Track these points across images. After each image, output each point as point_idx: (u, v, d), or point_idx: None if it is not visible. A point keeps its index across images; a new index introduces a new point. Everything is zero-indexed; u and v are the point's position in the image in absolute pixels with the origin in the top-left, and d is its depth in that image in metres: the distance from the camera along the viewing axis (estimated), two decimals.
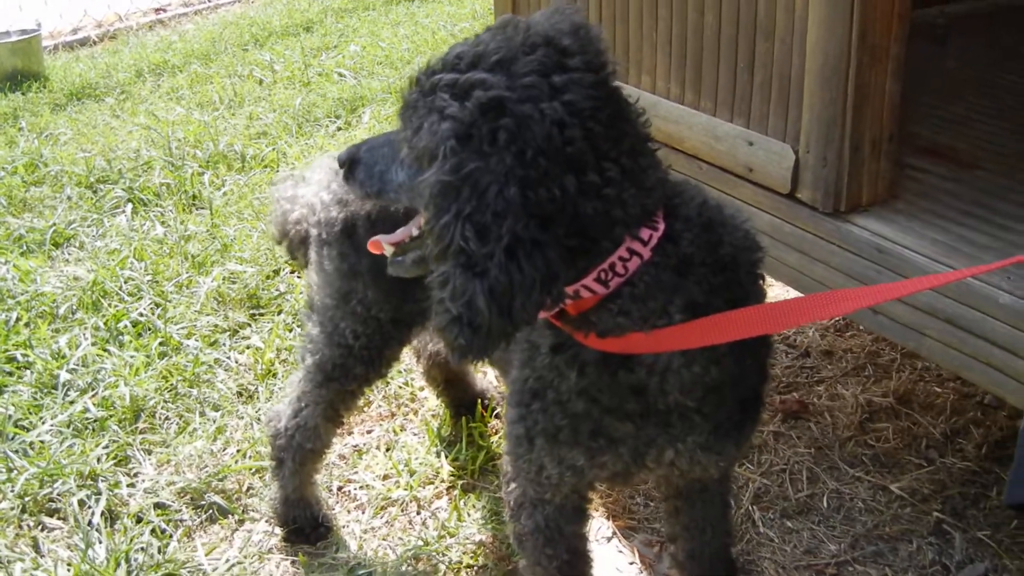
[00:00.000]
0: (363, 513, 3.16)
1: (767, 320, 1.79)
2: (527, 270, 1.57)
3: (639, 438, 1.97)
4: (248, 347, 3.96)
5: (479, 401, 3.47)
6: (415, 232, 1.95)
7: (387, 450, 3.40)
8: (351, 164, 1.93)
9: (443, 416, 3.50)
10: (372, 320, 2.64)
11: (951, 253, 2.57)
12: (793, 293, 3.54)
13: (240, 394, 3.71)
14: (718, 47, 2.98)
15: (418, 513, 3.14)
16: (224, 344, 4.00)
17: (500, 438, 3.38)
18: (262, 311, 4.24)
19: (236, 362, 3.87)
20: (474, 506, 3.12)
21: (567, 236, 1.64)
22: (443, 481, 3.23)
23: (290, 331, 4.05)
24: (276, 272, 4.50)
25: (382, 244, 2.00)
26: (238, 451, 3.40)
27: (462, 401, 3.45)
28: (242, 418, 3.56)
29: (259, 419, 3.51)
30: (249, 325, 4.14)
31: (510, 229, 1.56)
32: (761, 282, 1.98)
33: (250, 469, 3.32)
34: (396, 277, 2.47)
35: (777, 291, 3.94)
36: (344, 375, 2.74)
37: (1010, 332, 2.36)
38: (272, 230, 2.94)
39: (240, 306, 4.25)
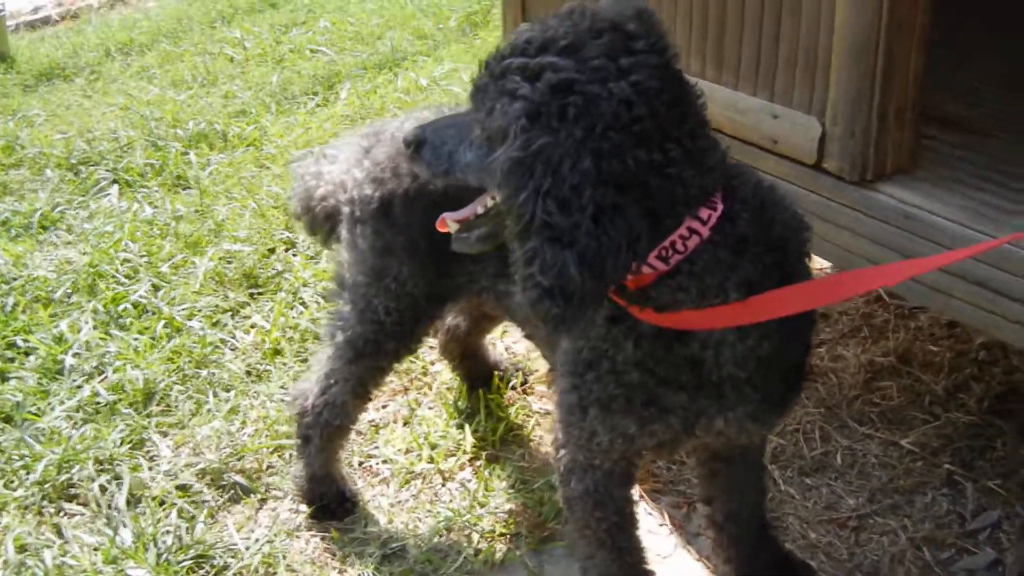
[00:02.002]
0: (388, 487, 3.18)
1: (816, 295, 1.88)
2: (614, 233, 1.65)
3: (690, 408, 2.03)
4: (253, 326, 3.94)
5: (495, 373, 3.48)
6: (480, 210, 2.00)
7: (405, 424, 3.41)
8: (417, 144, 1.98)
9: (458, 389, 3.51)
10: (406, 296, 2.65)
11: (977, 218, 2.62)
12: (819, 262, 3.60)
13: (249, 373, 3.70)
14: (742, 23, 3.01)
15: (443, 485, 3.16)
16: (227, 324, 3.98)
17: (519, 409, 3.40)
18: (260, 290, 4.22)
19: (242, 342, 3.86)
20: (499, 476, 3.15)
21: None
22: (466, 453, 3.24)
23: (291, 309, 4.04)
24: (271, 251, 4.48)
25: (447, 222, 2.03)
26: (255, 431, 3.39)
27: (478, 374, 3.47)
28: (256, 397, 3.55)
29: (272, 398, 3.50)
30: (249, 304, 4.12)
31: (591, 198, 1.64)
32: (808, 260, 2.06)
33: (268, 448, 3.32)
34: (431, 253, 2.53)
35: None
36: (376, 351, 2.75)
37: None
38: (293, 206, 2.93)
39: (239, 286, 4.23)
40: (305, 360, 3.73)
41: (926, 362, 3.53)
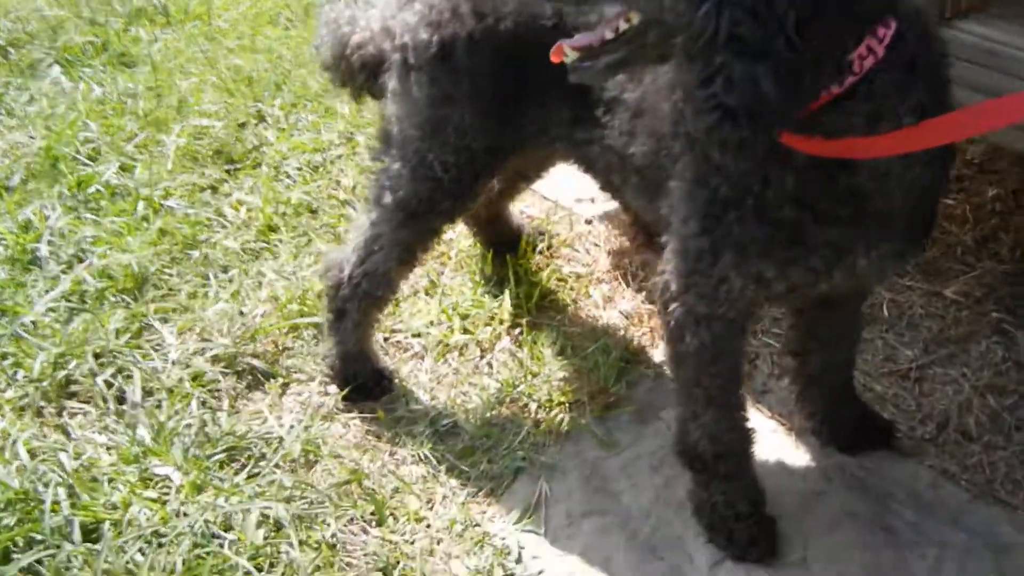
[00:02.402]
0: (423, 362, 2.94)
1: (986, 118, 1.69)
2: (817, 43, 1.49)
3: (838, 245, 1.87)
4: (240, 203, 3.63)
5: (520, 238, 3.25)
6: (610, 34, 1.76)
7: (427, 295, 3.16)
8: None
9: (481, 256, 3.26)
10: (465, 150, 2.40)
11: None
12: None
13: (245, 252, 3.40)
14: None
15: (482, 357, 2.94)
16: (209, 202, 3.66)
17: (550, 273, 3.18)
18: (237, 165, 3.89)
19: (231, 220, 3.55)
20: (544, 344, 2.93)
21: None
22: (502, 322, 3.01)
23: (277, 182, 3.73)
24: (242, 126, 4.13)
25: (565, 49, 1.81)
26: (264, 312, 3.11)
27: (503, 239, 3.23)
28: (260, 277, 3.26)
29: (283, 274, 3.22)
30: (227, 180, 3.80)
31: (790, 6, 1.46)
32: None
33: (283, 329, 3.05)
34: (497, 101, 2.30)
35: None
36: (430, 211, 2.51)
37: None
38: (323, 54, 2.63)
39: (213, 163, 3.89)
40: (304, 235, 3.44)
41: (948, 215, 3.39)
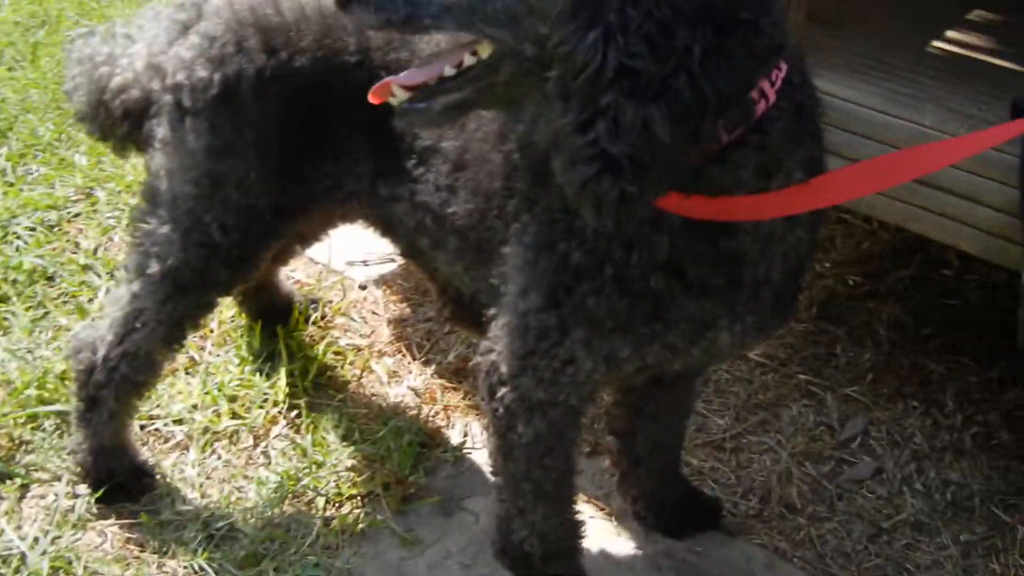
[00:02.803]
0: (188, 453, 2.59)
1: (886, 174, 1.58)
2: (720, 82, 1.27)
3: (701, 319, 1.68)
4: None
5: (292, 307, 2.94)
6: (450, 70, 1.50)
7: (187, 373, 2.81)
8: None
9: (246, 328, 2.93)
10: (248, 210, 2.10)
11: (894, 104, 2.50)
12: None
13: None
14: None
15: (256, 446, 2.62)
16: None
17: (327, 346, 2.89)
18: None
19: None
20: (326, 428, 2.64)
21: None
22: (276, 404, 2.70)
23: (2, 244, 3.27)
24: None
25: (394, 88, 1.54)
26: None
27: (272, 309, 2.91)
28: None
29: (17, 354, 2.79)
30: None
31: (693, 38, 1.25)
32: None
33: (18, 419, 2.62)
34: (284, 152, 2.03)
35: None
36: (204, 282, 2.19)
37: (969, 179, 2.25)
38: (76, 101, 2.26)
39: None
40: (40, 306, 3.02)
41: None
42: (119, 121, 2.18)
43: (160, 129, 2.09)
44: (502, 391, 1.85)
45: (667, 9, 1.24)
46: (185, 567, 2.28)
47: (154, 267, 2.16)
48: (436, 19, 1.43)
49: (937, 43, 3.06)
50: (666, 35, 1.24)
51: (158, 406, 2.70)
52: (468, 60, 1.48)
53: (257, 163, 2.04)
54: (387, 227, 2.16)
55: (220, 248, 2.12)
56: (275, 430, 2.65)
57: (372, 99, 1.59)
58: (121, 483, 2.43)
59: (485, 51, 1.46)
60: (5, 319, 2.97)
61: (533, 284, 1.73)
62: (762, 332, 1.81)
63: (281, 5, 2.03)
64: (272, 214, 2.12)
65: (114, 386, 2.31)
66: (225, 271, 2.18)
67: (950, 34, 3.16)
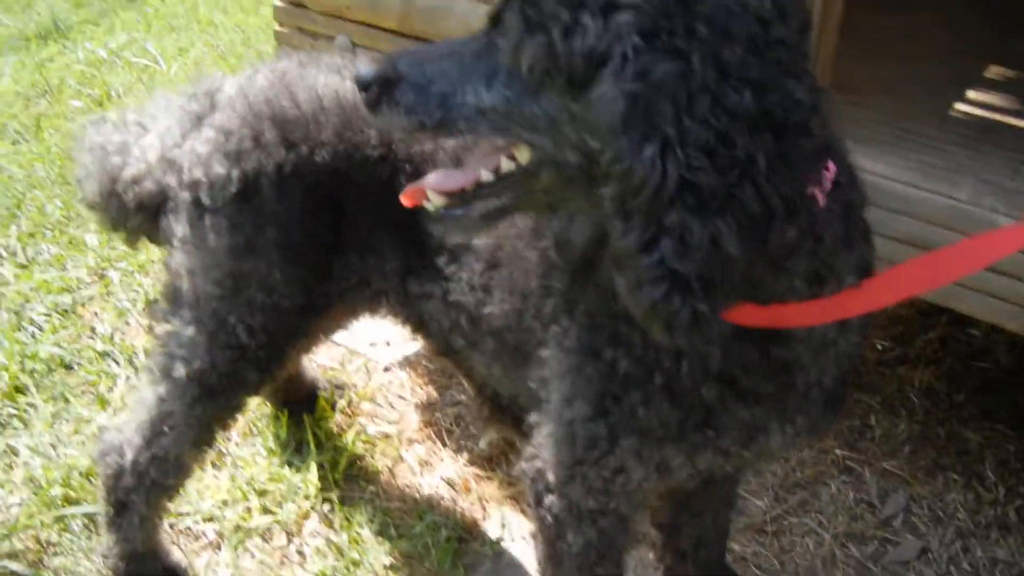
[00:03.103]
0: (219, 552, 2.53)
1: (940, 272, 1.49)
2: (784, 189, 1.22)
3: (753, 424, 1.63)
4: None
5: (317, 395, 2.89)
6: (487, 176, 1.45)
7: (215, 467, 2.75)
8: (385, 83, 1.42)
9: (272, 418, 2.87)
10: (274, 310, 2.04)
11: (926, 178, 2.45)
12: None
13: None
14: None
15: (290, 543, 2.55)
16: None
17: (356, 435, 2.83)
18: None
19: None
20: (360, 523, 2.58)
21: None
22: (308, 498, 2.64)
23: (17, 331, 3.21)
24: None
25: (429, 193, 1.49)
26: (22, 500, 2.61)
27: (298, 397, 2.86)
28: (15, 451, 2.75)
29: (39, 451, 2.72)
30: None
31: (756, 147, 1.19)
32: None
33: (48, 520, 2.56)
34: (309, 249, 1.99)
35: None
36: (231, 386, 2.14)
37: (1012, 258, 2.20)
38: (87, 190, 2.19)
39: None
40: (60, 397, 2.96)
41: None
42: (132, 213, 2.12)
43: (179, 227, 2.03)
44: (550, 499, 1.80)
45: (724, 116, 1.18)
46: None
47: (180, 370, 2.10)
48: (471, 123, 1.39)
49: (960, 105, 3.05)
50: (726, 144, 1.18)
51: (187, 502, 2.64)
52: (505, 165, 1.43)
53: (280, 262, 1.99)
54: (419, 325, 2.10)
55: (247, 350, 2.07)
56: (308, 526, 2.59)
57: (405, 202, 1.54)
58: None
59: (523, 156, 1.40)
60: (25, 412, 2.92)
61: (579, 392, 1.68)
62: (813, 432, 1.76)
63: (298, 96, 1.98)
64: (298, 313, 2.07)
65: (143, 490, 2.24)
66: (253, 372, 2.12)
67: (971, 95, 3.15)
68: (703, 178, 1.18)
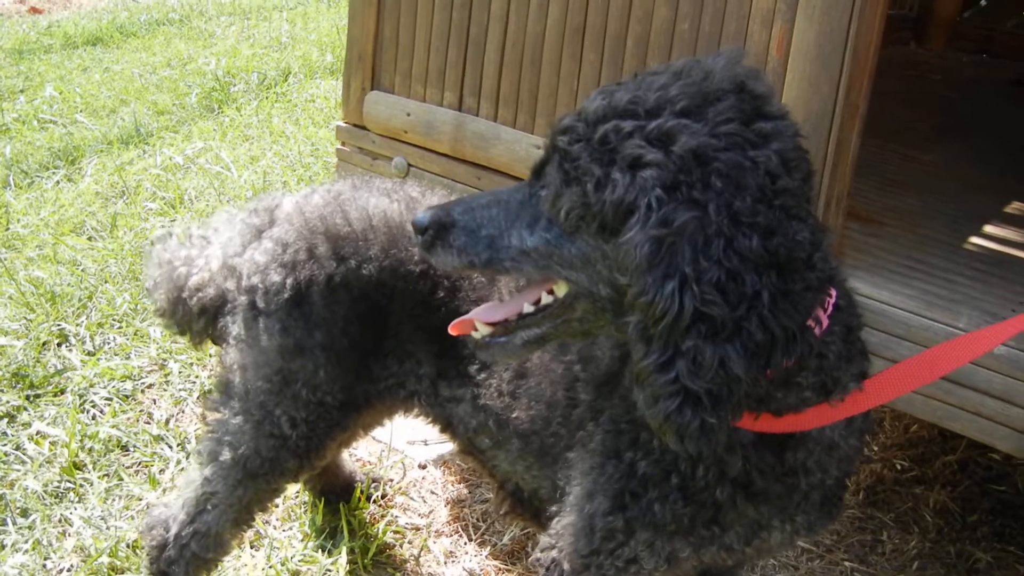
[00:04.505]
0: None
1: (931, 368, 1.70)
2: (785, 320, 1.42)
3: (757, 522, 1.82)
4: (40, 435, 3.32)
5: (354, 486, 3.06)
6: (528, 307, 1.68)
7: (252, 547, 2.92)
8: (440, 228, 1.64)
9: (309, 504, 3.05)
10: (317, 405, 2.24)
11: (929, 307, 2.57)
12: None
13: (47, 492, 3.09)
14: None
15: None
16: (5, 433, 3.34)
17: (387, 525, 3.00)
18: (37, 391, 3.59)
19: (31, 455, 3.23)
20: None
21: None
22: None
23: (81, 413, 3.44)
24: (44, 345, 3.84)
25: (477, 324, 1.71)
26: (71, 566, 2.80)
27: (335, 488, 3.04)
28: (69, 521, 2.95)
29: (91, 522, 2.92)
30: (27, 409, 3.48)
31: (761, 284, 1.40)
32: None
33: None
34: (351, 352, 2.15)
35: None
36: (272, 471, 2.32)
37: (1004, 381, 2.34)
38: (156, 299, 2.43)
39: (10, 387, 3.58)
40: (115, 475, 3.16)
41: None
42: (196, 317, 2.35)
43: (235, 327, 2.25)
44: None
45: (735, 258, 1.37)
46: None
47: (226, 455, 2.30)
48: (515, 262, 1.61)
49: (975, 238, 3.20)
50: (736, 282, 1.38)
51: None
52: (545, 298, 1.65)
53: (325, 362, 2.19)
54: (446, 425, 2.29)
55: (289, 440, 2.26)
56: None
57: (453, 332, 1.74)
58: None
59: (561, 290, 1.61)
60: (81, 486, 3.12)
61: (600, 489, 1.85)
62: (811, 530, 1.91)
63: (350, 215, 2.20)
64: (339, 409, 2.26)
65: (184, 563, 2.42)
66: (294, 460, 2.31)
67: (988, 229, 3.30)
68: (715, 311, 1.38)
